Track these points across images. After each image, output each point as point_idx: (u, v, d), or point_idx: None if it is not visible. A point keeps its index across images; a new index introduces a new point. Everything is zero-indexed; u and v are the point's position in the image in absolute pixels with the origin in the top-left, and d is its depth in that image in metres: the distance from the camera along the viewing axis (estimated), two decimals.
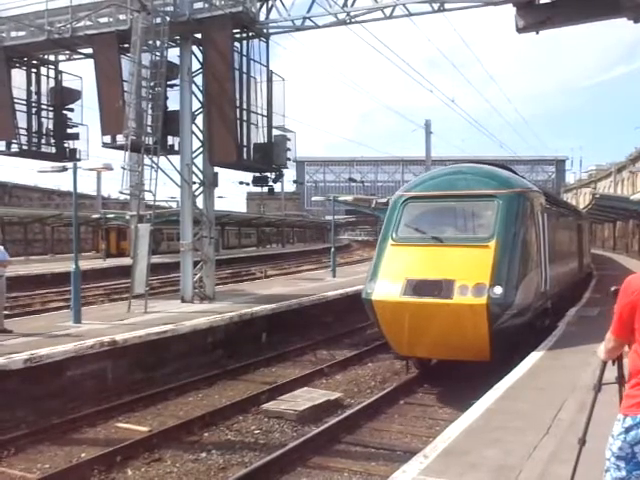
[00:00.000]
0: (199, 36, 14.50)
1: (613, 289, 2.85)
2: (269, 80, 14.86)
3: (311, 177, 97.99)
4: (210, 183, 15.07)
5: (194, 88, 14.72)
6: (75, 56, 17.06)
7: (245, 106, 14.29)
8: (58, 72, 17.56)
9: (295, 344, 12.88)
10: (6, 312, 11.86)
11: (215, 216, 16.43)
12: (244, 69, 14.31)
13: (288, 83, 15.42)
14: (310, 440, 6.97)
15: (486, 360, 8.53)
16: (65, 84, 17.64)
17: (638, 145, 46.74)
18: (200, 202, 15.13)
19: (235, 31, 14.13)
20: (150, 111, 13.81)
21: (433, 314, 8.43)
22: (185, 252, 14.88)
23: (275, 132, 15.13)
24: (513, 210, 9.13)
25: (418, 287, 8.53)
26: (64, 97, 17.40)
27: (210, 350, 11.61)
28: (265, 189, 16.45)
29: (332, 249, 24.44)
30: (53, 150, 17.51)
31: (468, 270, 8.53)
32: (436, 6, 13.26)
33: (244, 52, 14.33)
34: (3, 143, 17.16)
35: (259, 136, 14.76)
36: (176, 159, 14.94)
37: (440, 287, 8.42)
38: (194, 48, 14.77)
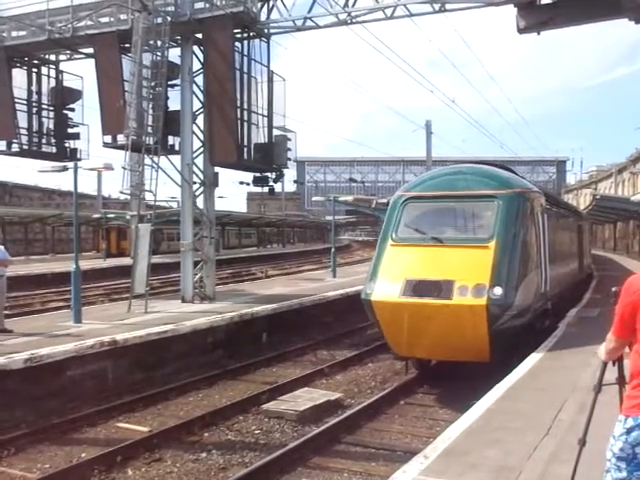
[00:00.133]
0: (200, 36, 14.51)
1: (614, 290, 2.85)
2: (270, 80, 14.87)
3: (311, 177, 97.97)
4: (210, 183, 15.07)
5: (195, 88, 14.73)
6: (76, 56, 17.08)
7: (246, 106, 14.30)
8: (59, 72, 17.58)
9: (295, 344, 12.88)
10: (6, 312, 11.86)
11: (215, 216, 16.43)
12: (245, 69, 14.32)
13: (289, 83, 15.45)
14: (310, 440, 6.97)
15: (486, 361, 8.52)
16: (66, 84, 17.67)
17: (639, 146, 46.78)
18: (200, 202, 15.14)
19: (236, 31, 14.14)
20: (151, 111, 13.81)
21: (432, 315, 8.41)
22: (185, 252, 14.89)
23: (276, 132, 15.14)
24: (513, 211, 9.11)
25: (418, 288, 8.52)
26: (65, 97, 17.42)
27: (210, 350, 11.61)
28: (265, 189, 16.45)
29: (332, 249, 24.44)
30: (54, 150, 17.53)
31: (468, 271, 8.51)
32: (437, 7, 13.26)
33: (245, 52, 14.35)
34: (4, 143, 17.18)
35: (260, 136, 14.77)
36: (177, 159, 14.96)
37: (440, 288, 8.41)
38: (195, 48, 14.78)
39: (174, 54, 14.92)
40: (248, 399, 8.81)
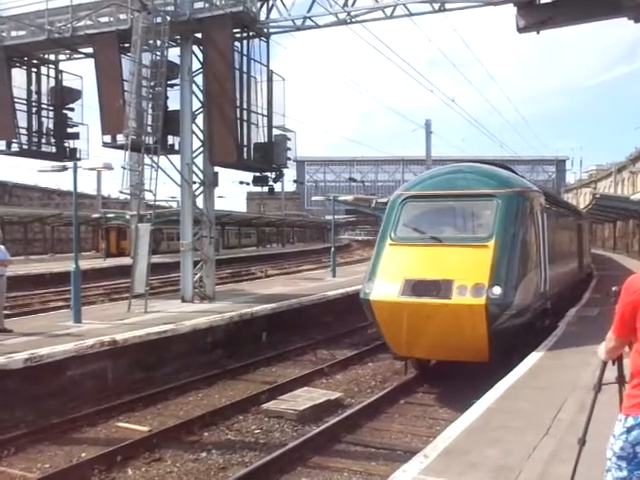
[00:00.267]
0: (199, 36, 14.50)
1: (614, 289, 2.85)
2: (269, 80, 14.87)
3: (311, 177, 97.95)
4: (210, 183, 15.07)
5: (194, 88, 14.72)
6: (75, 55, 17.07)
7: (245, 106, 14.29)
8: (58, 71, 17.57)
9: (295, 344, 12.88)
10: (6, 312, 11.85)
11: (215, 216, 16.42)
12: (244, 69, 14.32)
13: (288, 83, 15.45)
14: (310, 440, 6.97)
15: (485, 361, 8.50)
16: (65, 83, 17.66)
17: (638, 145, 46.77)
18: (200, 202, 15.14)
19: (235, 31, 14.13)
20: (150, 111, 13.81)
21: (431, 314, 8.38)
22: (185, 252, 14.88)
23: (275, 132, 15.14)
24: (512, 210, 9.09)
25: (416, 287, 8.49)
26: (64, 96, 17.41)
27: (210, 350, 11.61)
28: (265, 189, 16.45)
29: (332, 249, 24.44)
30: (53, 149, 17.52)
31: (467, 270, 8.49)
32: (437, 6, 13.26)
33: (244, 52, 14.34)
34: (3, 142, 17.17)
35: (259, 136, 14.76)
36: (176, 159, 14.95)
37: (439, 287, 8.38)
38: (194, 48, 14.77)
39: (173, 54, 14.94)
40: (248, 399, 8.81)
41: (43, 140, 17.40)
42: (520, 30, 12.60)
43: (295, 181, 61.60)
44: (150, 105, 13.82)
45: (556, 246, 12.01)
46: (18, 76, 16.86)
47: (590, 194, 44.87)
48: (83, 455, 6.81)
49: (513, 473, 4.35)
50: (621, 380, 3.04)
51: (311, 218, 73.93)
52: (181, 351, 10.89)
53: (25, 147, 17.06)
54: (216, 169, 15.16)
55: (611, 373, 3.07)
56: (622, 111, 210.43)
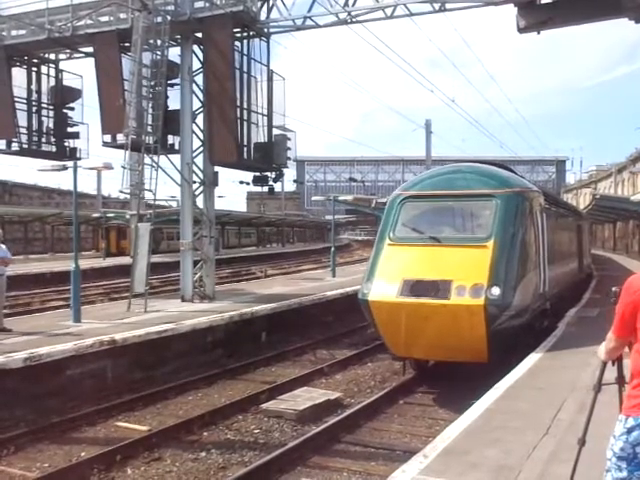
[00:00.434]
0: (200, 35, 14.51)
1: (614, 289, 2.85)
2: (269, 79, 14.87)
3: (311, 177, 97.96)
4: (210, 182, 15.07)
5: (194, 87, 14.72)
6: (76, 55, 17.08)
7: (245, 105, 14.30)
8: (59, 71, 17.58)
9: (295, 343, 12.87)
10: (6, 311, 11.86)
11: (215, 215, 16.42)
12: (244, 68, 14.32)
13: (288, 82, 15.45)
14: (310, 439, 6.97)
15: (484, 362, 8.47)
16: (65, 83, 17.67)
17: (638, 146, 46.78)
18: (200, 201, 15.14)
19: (236, 30, 14.14)
20: (150, 110, 13.81)
21: (430, 315, 8.35)
22: (185, 251, 14.89)
23: (275, 131, 15.15)
24: (512, 210, 9.06)
25: (415, 287, 8.46)
26: (64, 96, 17.42)
27: (210, 349, 11.61)
28: (265, 189, 16.45)
29: (332, 249, 24.44)
30: (53, 149, 17.53)
31: (466, 270, 8.46)
32: (437, 6, 13.26)
33: (245, 51, 14.34)
34: (3, 142, 17.17)
35: (259, 135, 14.77)
36: (176, 158, 14.96)
37: (437, 287, 8.35)
38: (195, 47, 14.77)
39: (174, 53, 14.96)
40: (247, 398, 8.81)
41: (43, 139, 17.41)
42: (520, 30, 12.61)
43: (295, 181, 61.65)
44: (150, 104, 13.82)
45: (555, 246, 11.99)
46: (18, 75, 16.87)
47: (590, 194, 44.89)
48: (82, 454, 6.81)
49: (513, 473, 4.35)
50: (621, 380, 3.04)
51: (311, 218, 73.94)
52: (181, 351, 10.89)
53: (25, 146, 17.07)
54: (216, 169, 15.16)
55: (611, 373, 3.07)
56: (622, 111, 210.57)
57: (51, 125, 17.49)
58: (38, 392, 8.32)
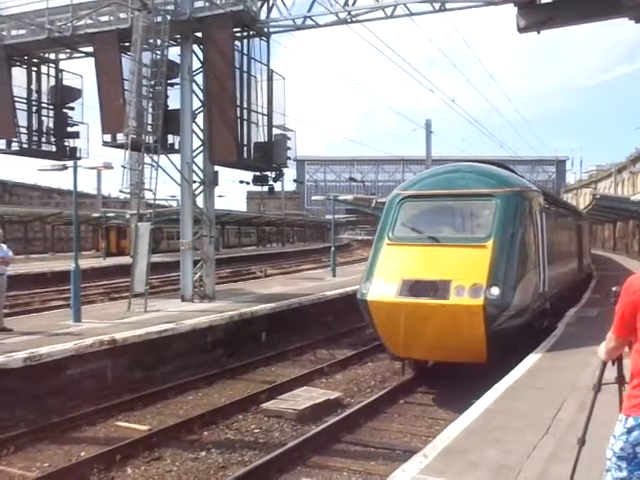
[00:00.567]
0: (200, 35, 14.51)
1: (614, 289, 2.85)
2: (269, 79, 14.87)
3: (311, 176, 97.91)
4: (210, 182, 15.07)
5: (194, 87, 14.72)
6: (76, 54, 17.08)
7: (245, 105, 14.29)
8: (59, 70, 17.58)
9: (295, 343, 12.87)
10: (6, 310, 11.86)
11: (215, 215, 16.42)
12: (244, 68, 14.32)
13: (289, 82, 15.46)
14: (310, 439, 6.97)
15: (483, 362, 8.45)
16: (65, 82, 17.66)
17: (638, 146, 46.76)
18: (200, 201, 15.14)
19: (236, 30, 14.13)
20: (150, 110, 13.80)
21: (429, 315, 8.32)
22: (185, 251, 14.88)
23: (275, 131, 15.15)
24: (511, 209, 9.03)
25: (414, 287, 8.43)
26: (64, 95, 17.42)
27: (210, 349, 11.61)
28: (265, 188, 16.45)
29: (332, 248, 24.44)
30: (53, 149, 17.53)
31: (465, 270, 8.43)
32: (437, 6, 13.25)
33: (245, 51, 14.34)
34: (3, 141, 17.17)
35: (259, 135, 14.77)
36: (176, 158, 14.95)
37: (436, 288, 8.32)
38: (195, 47, 14.77)
39: (174, 53, 14.95)
40: (247, 398, 8.81)
41: (43, 139, 17.41)
42: (520, 30, 12.60)
43: (295, 181, 61.64)
44: (150, 104, 13.81)
45: (555, 246, 11.98)
46: (18, 75, 16.87)
47: (590, 194, 44.88)
48: (82, 454, 6.81)
49: (513, 473, 4.35)
50: (621, 380, 3.04)
51: (311, 218, 73.92)
52: (181, 350, 10.89)
53: (25, 146, 17.07)
54: (216, 168, 15.16)
55: (611, 373, 3.07)
56: (622, 111, 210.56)
57: (51, 125, 17.49)
58: (38, 392, 8.33)
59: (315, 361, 11.61)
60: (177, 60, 14.87)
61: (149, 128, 13.75)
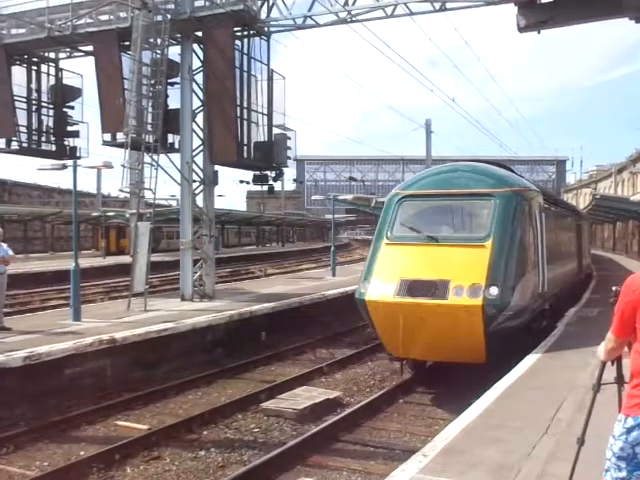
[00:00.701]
0: (200, 34, 14.50)
1: (615, 289, 2.85)
2: (270, 78, 14.87)
3: (311, 176, 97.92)
4: (210, 181, 15.07)
5: (195, 86, 14.72)
6: (75, 54, 17.08)
7: (245, 104, 14.30)
8: (58, 70, 17.56)
9: (294, 343, 12.87)
10: (6, 309, 11.87)
11: (215, 214, 16.43)
12: (245, 67, 14.33)
13: (289, 81, 15.46)
14: (309, 439, 6.97)
15: (482, 362, 8.43)
16: (65, 82, 17.65)
17: (638, 146, 46.79)
18: (200, 200, 15.14)
19: (236, 29, 14.14)
20: (150, 109, 13.80)
21: (427, 315, 8.29)
22: (185, 250, 14.88)
23: (275, 131, 15.15)
24: (510, 209, 8.99)
25: (412, 287, 8.39)
26: (64, 95, 17.41)
27: (210, 348, 11.61)
28: (265, 188, 16.45)
29: (332, 248, 24.45)
30: (53, 148, 17.52)
31: (464, 270, 8.39)
32: (437, 5, 13.25)
33: (245, 50, 14.35)
34: (3, 141, 17.15)
35: (259, 134, 14.77)
36: (176, 157, 14.95)
37: (435, 287, 8.28)
38: (195, 46, 14.77)
39: (174, 52, 14.94)
40: (247, 397, 8.81)
41: (43, 138, 17.39)
42: (521, 30, 12.59)
43: (295, 180, 61.70)
44: (150, 103, 13.81)
45: (555, 246, 11.97)
46: (18, 74, 16.86)
47: (590, 195, 44.84)
48: (82, 453, 6.80)
49: (512, 472, 4.35)
50: (620, 380, 3.04)
51: (311, 217, 73.88)
52: (181, 349, 10.89)
53: (25, 145, 17.05)
54: (216, 168, 15.16)
55: (610, 373, 3.07)
56: (622, 112, 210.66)
57: (51, 124, 17.48)
58: (38, 391, 8.33)
59: (315, 360, 11.62)
60: (177, 59, 14.87)
61: (149, 127, 13.75)
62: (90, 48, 15.67)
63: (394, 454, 6.65)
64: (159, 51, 13.87)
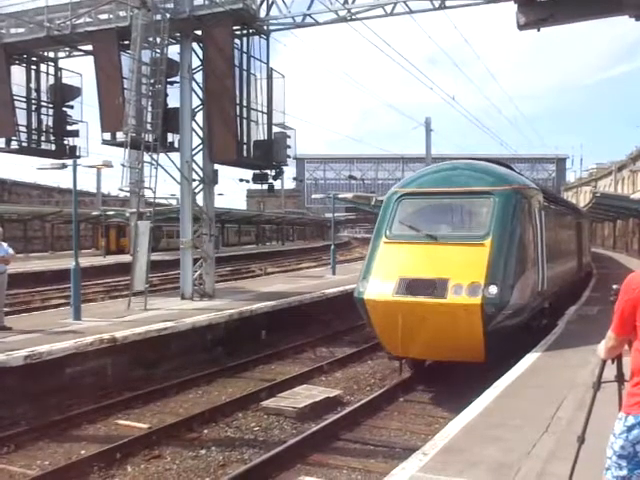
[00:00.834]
0: (199, 33, 14.48)
1: (615, 287, 2.85)
2: (269, 77, 14.86)
3: (311, 174, 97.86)
4: (210, 180, 15.06)
5: (194, 85, 14.71)
6: (75, 53, 17.05)
7: (245, 103, 14.29)
8: (58, 69, 17.53)
9: (294, 341, 12.87)
10: (6, 309, 11.87)
11: (215, 213, 16.42)
12: (244, 66, 14.31)
13: (288, 80, 15.47)
14: (309, 437, 6.97)
15: (481, 361, 8.41)
16: (65, 81, 17.62)
17: (639, 144, 46.76)
18: (200, 199, 15.14)
19: (235, 28, 14.12)
20: (150, 108, 13.79)
21: (426, 314, 8.27)
22: (185, 249, 14.88)
23: (275, 129, 15.14)
24: (510, 207, 8.96)
25: (411, 286, 8.37)
26: (64, 94, 17.38)
27: (210, 347, 11.62)
28: (265, 186, 16.45)
29: (332, 246, 24.45)
30: (53, 147, 17.50)
31: (463, 269, 8.37)
32: (437, 3, 13.23)
33: (244, 49, 14.33)
34: (3, 140, 17.12)
35: (259, 133, 14.76)
36: (176, 156, 14.95)
37: (434, 286, 8.26)
38: (194, 45, 14.75)
39: (173, 51, 14.92)
40: (247, 396, 8.82)
41: (42, 138, 17.37)
42: (520, 27, 12.56)
43: (295, 179, 61.69)
44: (150, 102, 13.80)
45: (554, 245, 11.94)
46: (17, 73, 16.83)
47: (590, 193, 44.86)
48: (82, 452, 6.81)
49: (512, 471, 4.36)
50: (621, 379, 3.04)
51: (311, 216, 73.84)
52: (181, 348, 10.90)
53: (24, 145, 17.03)
54: (216, 166, 15.15)
55: (611, 372, 3.07)
56: (622, 109, 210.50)
57: (50, 123, 17.46)
58: (38, 390, 8.34)
59: (315, 359, 11.62)
60: (177, 58, 14.85)
61: (149, 126, 13.74)
62: (89, 47, 15.64)
63: (394, 452, 6.66)
64: (158, 50, 13.85)
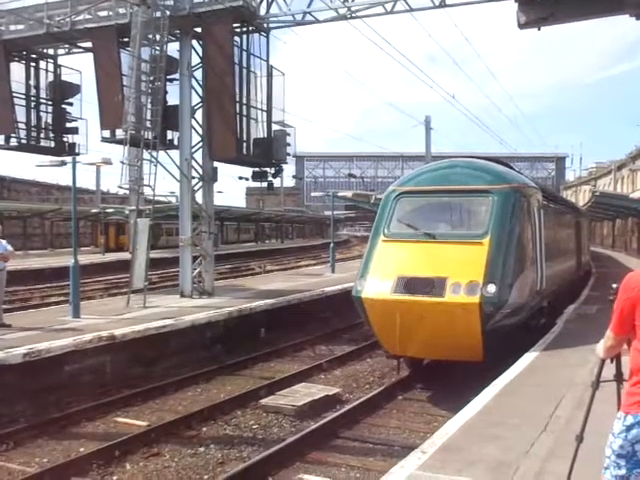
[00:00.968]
0: (199, 30, 14.46)
1: (614, 286, 2.85)
2: (269, 75, 14.84)
3: (310, 172, 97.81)
4: (209, 178, 15.05)
5: (194, 82, 14.69)
6: (74, 50, 17.01)
7: (245, 101, 14.27)
8: (57, 66, 17.51)
9: (294, 339, 12.88)
10: (5, 306, 11.86)
11: (214, 211, 16.41)
12: (244, 64, 14.29)
13: (288, 78, 15.43)
14: (308, 435, 6.98)
15: (479, 360, 8.40)
16: (64, 78, 17.60)
17: (638, 143, 46.74)
18: (199, 197, 15.13)
19: (235, 25, 14.10)
20: (149, 105, 13.77)
21: (424, 313, 8.25)
22: (184, 247, 14.88)
23: (275, 127, 15.14)
24: (508, 206, 8.93)
25: (409, 285, 8.35)
26: (63, 91, 17.36)
27: (209, 345, 11.62)
28: (264, 184, 16.45)
29: (331, 244, 24.45)
30: (52, 144, 17.49)
31: (461, 268, 8.35)
32: (437, 1, 13.22)
33: (244, 46, 14.31)
34: (2, 137, 17.11)
35: (259, 131, 14.75)
36: (175, 154, 14.92)
37: (432, 285, 8.24)
38: (194, 42, 14.73)
39: (173, 48, 14.90)
40: (246, 394, 8.82)
41: (42, 135, 17.37)
42: (521, 26, 12.53)
43: (294, 177, 61.67)
44: (149, 100, 13.78)
45: (553, 243, 11.93)
46: (17, 70, 16.81)
47: (589, 191, 44.85)
48: (81, 450, 6.81)
49: (511, 469, 4.36)
50: (619, 378, 3.04)
51: (310, 214, 73.82)
52: (180, 346, 10.90)
53: (24, 142, 17.02)
54: (215, 164, 15.14)
55: (609, 371, 3.07)
56: (622, 109, 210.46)
57: (50, 120, 17.44)
58: (37, 387, 8.33)
59: (314, 357, 11.63)
60: (176, 56, 14.83)
61: (148, 124, 13.72)
62: (89, 44, 15.61)
63: (393, 451, 6.66)
64: (158, 47, 13.83)
